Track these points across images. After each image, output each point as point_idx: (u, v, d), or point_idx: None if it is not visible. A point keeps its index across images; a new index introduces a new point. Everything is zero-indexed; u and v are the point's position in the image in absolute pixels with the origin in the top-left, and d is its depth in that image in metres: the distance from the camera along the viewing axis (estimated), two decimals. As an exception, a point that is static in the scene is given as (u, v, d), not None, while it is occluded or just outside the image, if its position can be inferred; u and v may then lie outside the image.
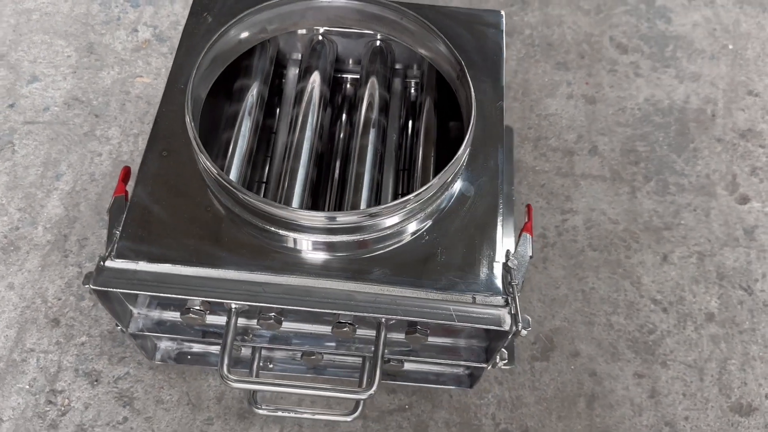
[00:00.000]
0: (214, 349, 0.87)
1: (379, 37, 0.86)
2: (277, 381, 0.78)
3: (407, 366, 0.86)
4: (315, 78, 0.84)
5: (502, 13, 0.84)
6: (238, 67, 0.84)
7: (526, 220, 0.74)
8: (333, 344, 0.77)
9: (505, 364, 0.79)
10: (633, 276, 1.03)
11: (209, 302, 0.69)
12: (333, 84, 0.89)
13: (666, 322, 0.99)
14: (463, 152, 0.70)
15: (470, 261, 0.68)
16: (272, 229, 0.68)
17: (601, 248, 1.05)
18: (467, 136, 0.70)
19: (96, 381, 0.91)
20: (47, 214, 1.02)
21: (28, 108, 1.13)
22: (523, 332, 0.71)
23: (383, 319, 0.68)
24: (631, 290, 1.01)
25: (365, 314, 0.66)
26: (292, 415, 0.76)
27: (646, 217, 1.07)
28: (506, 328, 0.65)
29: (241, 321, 0.72)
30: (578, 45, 1.25)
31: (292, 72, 0.93)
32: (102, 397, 0.90)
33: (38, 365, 0.92)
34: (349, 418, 0.75)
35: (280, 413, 0.75)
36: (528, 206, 0.76)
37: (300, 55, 0.92)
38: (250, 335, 0.76)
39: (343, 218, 0.67)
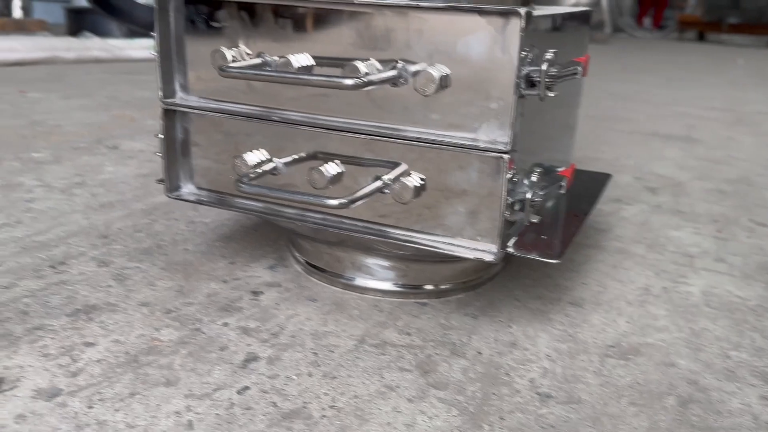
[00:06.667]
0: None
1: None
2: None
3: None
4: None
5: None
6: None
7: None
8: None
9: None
10: (766, 331, 0.76)
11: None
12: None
13: (817, 371, 0.68)
14: None
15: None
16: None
17: (722, 309, 0.81)
18: None
19: (105, 265, 0.84)
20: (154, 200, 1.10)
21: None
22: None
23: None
24: (761, 340, 0.74)
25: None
26: (275, 194, 0.64)
27: (789, 302, 0.84)
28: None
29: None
30: (713, 216, 1.17)
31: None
32: (100, 274, 0.82)
33: (65, 250, 0.88)
34: (335, 201, 0.61)
35: (264, 190, 0.64)
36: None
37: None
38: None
39: None
